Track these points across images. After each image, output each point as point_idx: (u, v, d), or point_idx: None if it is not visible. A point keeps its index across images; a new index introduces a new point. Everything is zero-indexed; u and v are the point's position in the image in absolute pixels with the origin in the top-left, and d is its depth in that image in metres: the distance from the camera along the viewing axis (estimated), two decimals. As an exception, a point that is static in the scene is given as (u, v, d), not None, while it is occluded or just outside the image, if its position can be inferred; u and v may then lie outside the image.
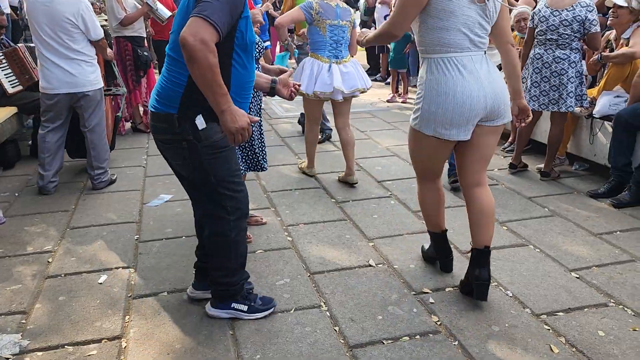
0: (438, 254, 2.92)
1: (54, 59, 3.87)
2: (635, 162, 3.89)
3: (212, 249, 2.41)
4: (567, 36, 3.99)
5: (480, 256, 2.55)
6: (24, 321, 2.50)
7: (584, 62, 4.24)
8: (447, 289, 2.74)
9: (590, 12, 3.94)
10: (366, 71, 7.54)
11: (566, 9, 3.97)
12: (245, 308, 2.48)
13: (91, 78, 4.01)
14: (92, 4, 9.32)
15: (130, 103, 5.89)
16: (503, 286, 2.77)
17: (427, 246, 3.04)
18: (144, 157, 5.08)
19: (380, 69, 9.83)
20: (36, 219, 3.67)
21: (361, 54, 11.09)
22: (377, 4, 8.93)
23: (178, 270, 2.95)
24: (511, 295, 2.69)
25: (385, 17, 8.64)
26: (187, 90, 2.12)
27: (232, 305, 2.47)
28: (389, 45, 8.11)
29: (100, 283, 2.82)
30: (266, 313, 2.51)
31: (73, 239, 3.36)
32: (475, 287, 2.55)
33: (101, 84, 4.14)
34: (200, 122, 2.13)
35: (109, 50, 4.47)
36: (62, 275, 2.92)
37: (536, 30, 4.14)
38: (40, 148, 4.11)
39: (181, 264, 3.02)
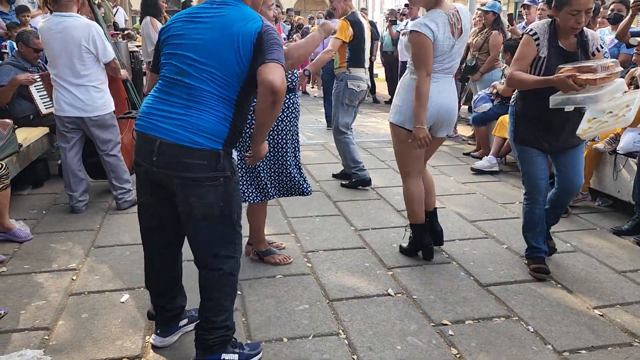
0: (421, 245, 3.43)
1: (65, 84, 3.97)
2: (661, 200, 3.85)
3: (215, 289, 2.24)
4: None
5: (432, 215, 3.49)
6: (46, 337, 2.55)
7: None
8: (466, 322, 2.72)
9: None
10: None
11: None
12: (236, 357, 2.28)
13: (99, 104, 4.07)
14: (127, 32, 9.64)
15: None
16: (524, 321, 2.74)
17: (405, 244, 3.52)
18: (168, 180, 5.17)
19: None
20: (62, 236, 3.75)
21: (383, 84, 11.20)
22: (400, 36, 9.05)
23: (197, 293, 2.97)
24: (532, 330, 2.65)
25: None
26: (232, 126, 2.11)
27: (222, 357, 2.26)
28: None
29: (122, 302, 2.87)
30: (258, 357, 2.36)
31: (97, 257, 3.42)
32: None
33: (111, 109, 4.18)
34: (234, 156, 2.17)
35: (123, 71, 4.58)
36: (86, 292, 2.97)
37: None
38: (62, 169, 4.23)
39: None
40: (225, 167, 2.12)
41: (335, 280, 3.13)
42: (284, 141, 3.14)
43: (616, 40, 5.10)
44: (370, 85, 5.51)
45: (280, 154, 3.16)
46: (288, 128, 3.14)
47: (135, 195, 4.39)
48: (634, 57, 4.23)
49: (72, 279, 3.12)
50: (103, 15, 5.64)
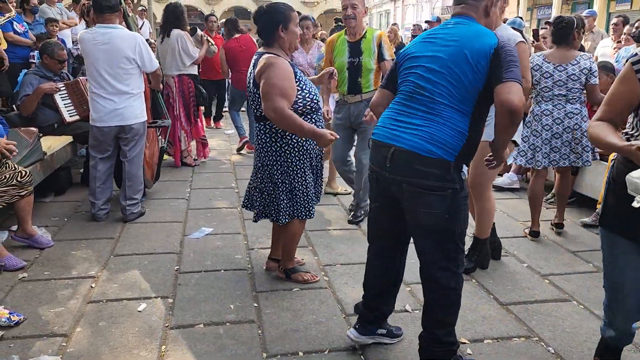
0: (488, 258, 3.54)
1: (106, 93, 4.04)
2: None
3: (437, 304, 2.30)
4: (576, 90, 3.91)
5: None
6: (64, 344, 2.57)
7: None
8: (485, 341, 2.67)
9: (593, 63, 3.90)
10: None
11: (570, 63, 3.88)
12: None
13: (137, 112, 4.17)
14: (152, 44, 9.86)
15: (190, 137, 6.16)
16: (545, 342, 2.68)
17: (469, 265, 3.40)
18: (187, 190, 5.22)
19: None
20: (82, 244, 3.79)
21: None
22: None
23: (215, 303, 2.98)
24: (553, 351, 2.59)
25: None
26: (468, 142, 2.16)
27: None
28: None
29: (140, 311, 2.88)
30: None
31: (116, 265, 3.45)
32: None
33: (145, 118, 4.30)
34: (464, 172, 2.23)
35: None
36: (104, 300, 2.99)
37: (539, 87, 4.01)
38: (90, 177, 4.28)
39: (219, 297, 3.05)
40: (455, 179, 2.15)
41: (352, 295, 3.10)
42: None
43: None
44: None
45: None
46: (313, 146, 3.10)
47: (141, 208, 4.42)
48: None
49: (91, 287, 3.15)
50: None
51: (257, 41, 6.36)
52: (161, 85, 4.87)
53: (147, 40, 10.28)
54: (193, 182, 5.50)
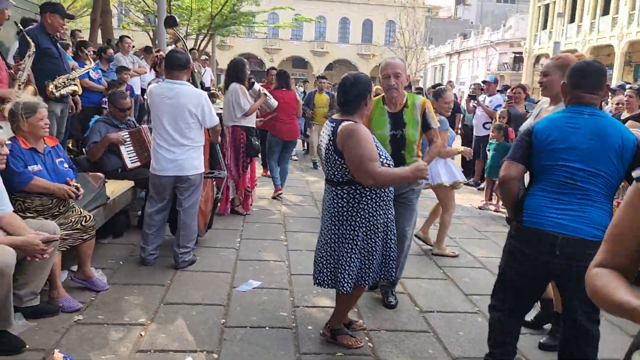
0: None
1: (167, 145, 4.25)
2: None
3: (586, 350, 2.60)
4: None
5: None
6: (112, 392, 2.63)
7: None
8: None
9: None
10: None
11: None
12: None
13: (195, 163, 4.35)
14: (212, 92, 10.30)
15: (238, 186, 6.32)
16: None
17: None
18: (238, 240, 5.32)
19: (474, 174, 9.79)
20: (135, 289, 3.92)
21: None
22: (476, 111, 9.05)
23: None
24: None
25: (484, 125, 8.72)
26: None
27: None
28: (487, 151, 8.10)
29: (185, 364, 2.93)
30: None
31: (166, 314, 3.53)
32: None
33: (202, 169, 4.47)
34: None
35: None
36: (152, 350, 3.06)
37: None
38: (145, 224, 4.45)
39: (262, 355, 3.07)
40: None
41: (396, 365, 3.05)
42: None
43: None
44: None
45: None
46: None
47: (193, 256, 4.54)
48: None
49: (141, 335, 3.23)
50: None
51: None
52: (220, 139, 5.07)
53: (208, 88, 10.86)
54: (243, 232, 5.62)
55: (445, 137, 4.74)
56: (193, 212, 4.46)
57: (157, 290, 3.93)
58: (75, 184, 3.66)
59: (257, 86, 6.46)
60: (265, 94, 6.47)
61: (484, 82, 9.97)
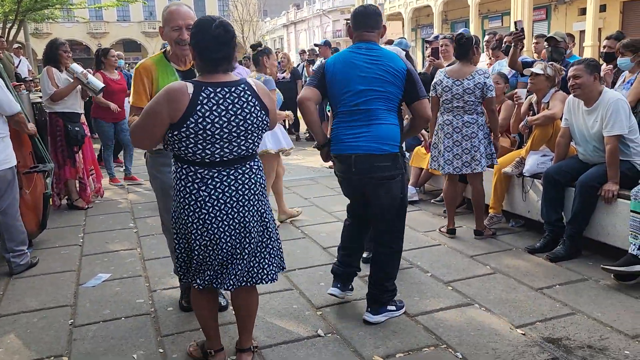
0: None
1: None
2: (567, 217, 4.08)
3: (387, 262, 3.06)
4: (472, 102, 4.24)
5: None
6: None
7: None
8: (397, 355, 2.71)
9: (487, 78, 4.24)
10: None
11: (466, 78, 4.22)
12: (394, 308, 3.09)
13: (0, 157, 3.81)
14: (28, 80, 9.17)
15: (60, 178, 5.69)
16: (452, 348, 2.76)
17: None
18: (81, 235, 4.87)
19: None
20: (-42, 308, 3.39)
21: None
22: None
23: (116, 354, 2.77)
24: (461, 356, 2.68)
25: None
26: (400, 132, 2.98)
27: (387, 308, 3.06)
28: (327, 112, 8.30)
29: (30, 376, 2.61)
30: (403, 310, 3.14)
31: (1, 328, 3.11)
32: None
33: (12, 163, 3.90)
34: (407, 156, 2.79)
35: (30, 125, 4.32)
36: (-14, 370, 2.68)
37: (441, 99, 4.35)
38: None
39: (120, 347, 2.85)
40: (401, 164, 2.99)
41: (263, 326, 3.03)
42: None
43: (513, 70, 5.49)
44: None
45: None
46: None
47: (30, 259, 4.05)
48: (529, 86, 4.54)
49: (-29, 356, 2.81)
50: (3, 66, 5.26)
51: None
52: (34, 129, 4.43)
53: (25, 78, 9.67)
54: (87, 226, 5.16)
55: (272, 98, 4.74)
56: (13, 212, 3.92)
57: (-13, 304, 3.45)
58: None
59: (76, 67, 5.69)
60: (79, 78, 5.64)
61: (315, 45, 10.21)
